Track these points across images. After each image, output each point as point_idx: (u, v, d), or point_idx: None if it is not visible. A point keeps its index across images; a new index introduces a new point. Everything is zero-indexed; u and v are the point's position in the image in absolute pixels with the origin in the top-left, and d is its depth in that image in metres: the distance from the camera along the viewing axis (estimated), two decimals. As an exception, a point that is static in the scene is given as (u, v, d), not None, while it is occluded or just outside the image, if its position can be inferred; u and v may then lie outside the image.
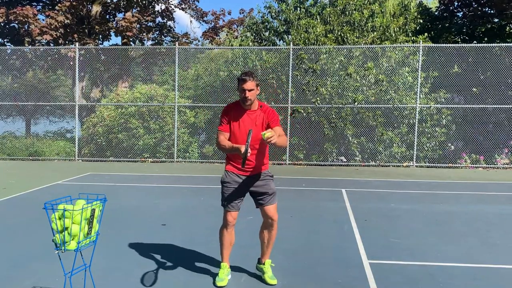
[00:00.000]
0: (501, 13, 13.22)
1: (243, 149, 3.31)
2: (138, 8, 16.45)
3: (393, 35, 12.74)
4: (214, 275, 3.84)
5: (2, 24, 15.28)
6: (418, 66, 11.54)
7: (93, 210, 2.98)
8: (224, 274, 3.70)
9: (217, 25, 20.06)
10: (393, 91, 11.72)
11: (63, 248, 2.90)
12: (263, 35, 14.20)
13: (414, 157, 11.61)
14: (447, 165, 11.67)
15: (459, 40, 13.92)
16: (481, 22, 13.38)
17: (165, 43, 18.45)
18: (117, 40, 16.59)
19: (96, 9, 15.56)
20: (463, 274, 3.97)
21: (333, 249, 4.66)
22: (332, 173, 10.55)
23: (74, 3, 14.52)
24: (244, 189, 3.67)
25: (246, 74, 3.54)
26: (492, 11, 13.68)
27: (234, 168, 3.67)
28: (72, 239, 2.92)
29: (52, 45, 15.09)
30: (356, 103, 11.60)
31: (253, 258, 4.10)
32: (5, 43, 16.28)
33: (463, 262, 4.29)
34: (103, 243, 4.30)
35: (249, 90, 3.50)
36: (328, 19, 12.92)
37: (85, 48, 14.07)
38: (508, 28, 13.43)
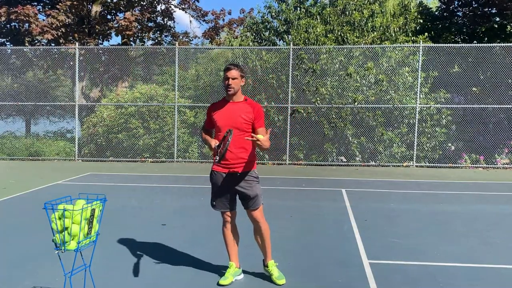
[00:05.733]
0: (502, 12, 13.21)
1: (213, 144, 3.49)
2: (139, 7, 16.43)
3: (393, 35, 12.74)
4: (214, 275, 3.85)
5: (3, 24, 15.28)
6: (418, 66, 11.54)
7: (93, 210, 2.98)
8: (229, 273, 3.70)
9: (217, 25, 20.03)
10: (393, 91, 11.72)
11: (63, 248, 2.90)
12: (263, 35, 14.19)
13: (414, 157, 11.60)
14: (447, 165, 11.67)
15: (459, 40, 13.92)
16: (481, 21, 13.37)
17: (165, 43, 18.43)
18: (118, 40, 16.61)
19: (96, 9, 15.56)
20: (463, 274, 3.97)
21: (333, 249, 4.65)
22: (332, 173, 10.55)
23: (74, 2, 14.51)
24: (229, 188, 3.63)
25: (231, 64, 3.64)
26: (493, 11, 13.67)
27: (217, 166, 3.64)
28: (72, 239, 2.92)
29: (52, 44, 15.08)
30: (356, 103, 11.60)
31: (254, 257, 4.10)
32: (5, 42, 16.27)
33: (463, 262, 4.29)
34: (103, 243, 4.30)
35: (232, 79, 3.55)
36: (328, 19, 12.92)
37: (86, 48, 14.06)
38: (508, 27, 13.42)
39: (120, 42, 15.99)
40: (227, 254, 3.81)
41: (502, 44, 11.96)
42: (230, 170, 3.61)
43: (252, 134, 3.48)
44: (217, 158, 3.41)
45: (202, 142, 3.85)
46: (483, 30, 13.26)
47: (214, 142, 3.51)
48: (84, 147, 13.09)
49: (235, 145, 3.53)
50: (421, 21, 13.68)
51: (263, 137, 3.45)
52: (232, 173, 3.61)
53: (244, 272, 3.92)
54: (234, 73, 3.55)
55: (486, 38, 13.43)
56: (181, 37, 17.75)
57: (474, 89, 12.08)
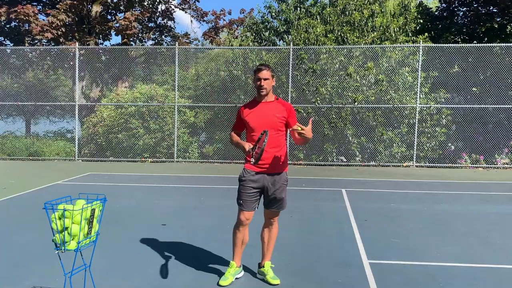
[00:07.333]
0: (503, 12, 13.20)
1: (247, 147, 3.45)
2: (140, 8, 16.42)
3: (393, 35, 12.74)
4: (214, 275, 3.84)
5: (3, 23, 15.27)
6: (418, 66, 11.54)
7: (93, 210, 2.98)
8: (230, 273, 3.69)
9: (218, 25, 20.04)
10: (393, 91, 11.72)
11: (63, 248, 2.90)
12: (263, 35, 14.19)
13: (414, 157, 11.61)
14: (447, 165, 11.67)
15: (459, 40, 13.92)
16: (482, 22, 13.35)
17: (165, 43, 18.44)
18: (118, 40, 16.57)
19: (96, 9, 15.56)
20: (463, 274, 3.97)
21: (333, 249, 4.65)
22: (332, 173, 10.55)
23: (74, 2, 14.52)
24: (260, 189, 3.63)
25: (262, 64, 3.66)
26: (494, 10, 13.65)
27: (251, 165, 3.59)
28: (72, 239, 2.92)
29: (52, 44, 15.08)
30: (356, 103, 11.60)
31: (255, 258, 4.10)
32: (5, 41, 16.26)
33: (463, 262, 4.29)
34: (103, 243, 4.30)
35: (264, 79, 3.56)
36: (328, 19, 12.92)
37: (86, 48, 14.05)
38: (509, 27, 13.41)
39: (120, 42, 16.00)
40: (231, 253, 3.79)
41: (502, 44, 11.96)
42: (264, 170, 3.60)
43: (297, 124, 3.46)
44: (253, 160, 3.38)
45: (233, 145, 3.80)
46: (483, 30, 13.25)
47: (248, 145, 3.47)
48: (84, 147, 13.09)
49: (270, 145, 3.53)
50: (421, 21, 13.68)
51: (306, 127, 3.46)
52: (265, 173, 3.61)
53: (244, 271, 3.92)
54: (265, 73, 3.57)
55: (486, 38, 13.42)
56: (181, 38, 17.75)
57: (474, 89, 12.08)
